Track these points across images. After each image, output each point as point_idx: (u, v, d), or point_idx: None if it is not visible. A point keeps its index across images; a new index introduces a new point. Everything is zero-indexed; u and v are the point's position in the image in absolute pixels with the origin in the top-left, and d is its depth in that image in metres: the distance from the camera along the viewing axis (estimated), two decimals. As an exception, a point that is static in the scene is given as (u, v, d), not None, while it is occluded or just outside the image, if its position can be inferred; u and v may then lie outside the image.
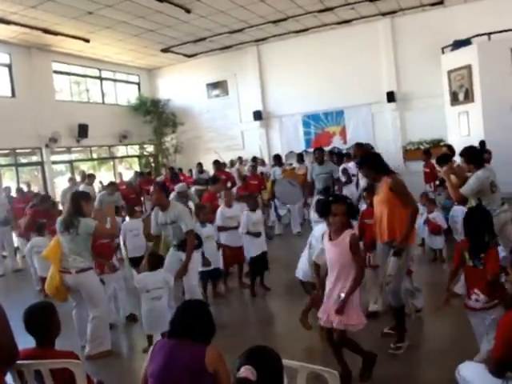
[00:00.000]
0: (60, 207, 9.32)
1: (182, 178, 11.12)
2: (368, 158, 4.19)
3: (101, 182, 11.02)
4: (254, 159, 12.20)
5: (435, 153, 9.95)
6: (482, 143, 9.32)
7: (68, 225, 4.14)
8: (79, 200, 4.25)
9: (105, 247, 5.16)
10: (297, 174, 9.74)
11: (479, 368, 2.42)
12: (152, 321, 4.13)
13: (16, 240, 9.23)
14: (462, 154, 4.86)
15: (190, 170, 12.81)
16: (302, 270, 4.48)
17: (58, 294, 4.23)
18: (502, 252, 4.96)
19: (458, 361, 2.65)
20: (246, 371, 1.58)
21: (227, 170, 11.30)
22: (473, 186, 4.52)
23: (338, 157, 10.05)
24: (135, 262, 6.40)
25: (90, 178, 10.24)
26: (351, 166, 9.07)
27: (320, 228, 4.07)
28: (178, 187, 7.22)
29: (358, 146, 8.44)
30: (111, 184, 9.07)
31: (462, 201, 4.87)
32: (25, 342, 2.49)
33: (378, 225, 3.95)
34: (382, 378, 3.35)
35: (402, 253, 3.73)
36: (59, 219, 4.28)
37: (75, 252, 4.17)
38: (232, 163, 13.01)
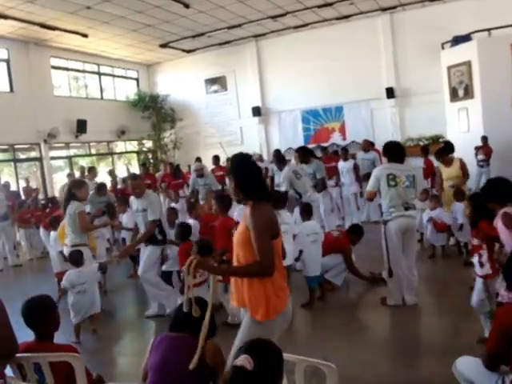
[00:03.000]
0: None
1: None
2: (244, 164, 2.49)
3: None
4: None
5: (433, 149, 10.01)
6: (484, 138, 9.88)
7: None
8: None
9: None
10: None
11: (476, 362, 2.43)
12: (77, 312, 4.43)
13: (18, 235, 9.28)
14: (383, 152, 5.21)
15: (189, 166, 12.75)
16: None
17: None
18: None
19: (455, 355, 2.66)
20: (243, 360, 1.58)
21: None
22: (370, 182, 4.95)
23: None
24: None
25: (91, 172, 9.91)
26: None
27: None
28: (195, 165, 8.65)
29: (301, 149, 7.84)
30: (100, 187, 8.25)
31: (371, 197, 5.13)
32: (26, 336, 2.50)
33: (232, 279, 2.54)
34: (380, 372, 3.37)
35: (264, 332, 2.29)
36: None
37: None
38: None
